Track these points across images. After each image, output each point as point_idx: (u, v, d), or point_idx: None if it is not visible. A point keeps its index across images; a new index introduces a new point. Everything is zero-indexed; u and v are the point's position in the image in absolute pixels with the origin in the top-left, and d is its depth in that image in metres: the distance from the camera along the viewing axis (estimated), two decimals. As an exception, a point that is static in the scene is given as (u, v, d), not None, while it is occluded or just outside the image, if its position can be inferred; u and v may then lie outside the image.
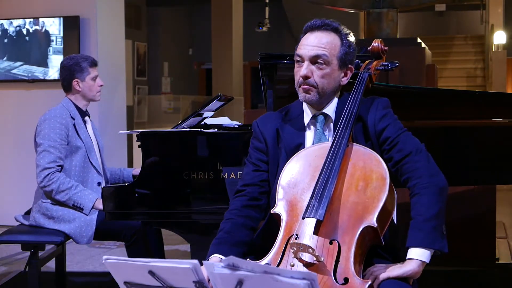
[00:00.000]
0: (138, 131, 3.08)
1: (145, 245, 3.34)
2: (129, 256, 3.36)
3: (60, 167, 3.33)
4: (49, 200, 3.34)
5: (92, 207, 3.29)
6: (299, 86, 2.12)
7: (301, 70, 2.10)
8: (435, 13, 15.02)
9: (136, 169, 3.62)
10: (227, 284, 1.47)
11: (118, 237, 3.36)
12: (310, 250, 1.82)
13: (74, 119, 3.43)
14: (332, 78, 2.11)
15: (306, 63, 2.09)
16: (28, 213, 3.53)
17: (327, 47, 2.09)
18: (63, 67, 3.51)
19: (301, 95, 2.12)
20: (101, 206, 3.16)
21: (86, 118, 3.52)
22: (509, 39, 13.18)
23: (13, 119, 5.95)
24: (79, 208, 3.29)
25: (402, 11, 8.76)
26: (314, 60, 2.09)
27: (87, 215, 3.29)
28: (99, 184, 3.41)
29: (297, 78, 2.12)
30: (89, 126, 3.52)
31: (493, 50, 12.40)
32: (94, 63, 3.51)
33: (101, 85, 3.53)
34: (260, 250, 2.04)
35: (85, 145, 3.41)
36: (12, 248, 4.79)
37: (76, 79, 3.46)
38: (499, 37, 12.63)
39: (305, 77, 2.09)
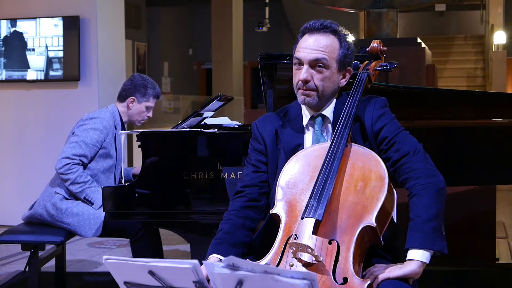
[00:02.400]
0: (138, 131, 3.08)
1: (149, 241, 3.37)
2: (133, 253, 3.40)
3: (81, 163, 3.38)
4: (61, 193, 3.38)
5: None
6: (298, 89, 2.12)
7: (301, 73, 2.09)
8: (435, 13, 15.00)
9: (136, 168, 3.63)
10: (227, 284, 1.47)
11: (123, 233, 3.39)
12: (309, 250, 1.82)
13: (116, 128, 3.49)
14: (331, 81, 2.11)
15: (305, 67, 2.09)
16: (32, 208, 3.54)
17: (326, 51, 2.08)
18: (132, 80, 3.57)
19: (300, 97, 2.12)
20: None
21: (122, 130, 3.59)
22: (509, 39, 13.18)
23: (13, 119, 5.95)
24: (89, 202, 3.35)
25: (402, 11, 8.76)
26: (313, 63, 2.08)
27: (95, 210, 3.32)
28: None
29: (296, 80, 2.12)
30: (122, 138, 3.57)
31: (493, 50, 12.39)
32: (157, 96, 3.58)
33: (149, 116, 3.60)
34: (259, 250, 2.04)
35: (117, 157, 3.47)
36: (12, 248, 4.79)
37: (133, 97, 3.52)
38: (499, 37, 12.62)
39: (305, 81, 2.09)
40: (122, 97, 3.56)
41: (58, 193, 3.39)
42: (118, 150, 3.49)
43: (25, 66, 5.82)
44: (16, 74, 5.86)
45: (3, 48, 5.88)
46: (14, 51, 5.85)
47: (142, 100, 3.53)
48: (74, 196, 3.38)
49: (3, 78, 5.90)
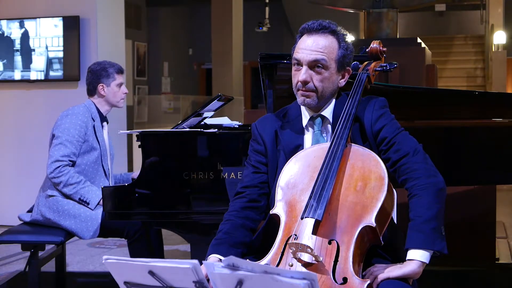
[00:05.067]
0: (138, 131, 3.08)
1: (147, 242, 3.37)
2: (131, 253, 3.39)
3: (72, 162, 3.39)
4: (56, 194, 3.38)
5: (98, 203, 3.32)
6: (298, 90, 2.12)
7: (300, 74, 2.09)
8: (435, 13, 15.00)
9: (135, 173, 3.63)
10: (227, 284, 1.47)
11: (121, 234, 3.39)
12: (309, 250, 1.82)
13: (94, 120, 3.49)
14: (330, 81, 2.11)
15: (304, 68, 2.09)
16: (30, 211, 3.54)
17: (325, 51, 2.08)
18: (90, 71, 3.58)
19: (300, 98, 2.12)
20: None
21: (104, 123, 3.58)
22: (509, 39, 13.17)
23: (13, 119, 5.95)
24: (85, 203, 3.34)
25: (402, 11, 8.76)
26: (312, 64, 2.08)
27: (92, 209, 3.32)
28: None
29: (295, 81, 2.12)
30: (105, 131, 3.57)
31: (493, 50, 12.39)
32: (120, 71, 3.59)
33: (126, 93, 3.61)
34: (259, 250, 2.04)
35: (100, 148, 3.47)
36: (12, 248, 4.79)
37: (101, 84, 3.53)
38: (499, 37, 12.62)
39: (304, 82, 2.09)
40: (91, 91, 3.56)
41: (52, 195, 3.38)
42: (100, 142, 3.48)
43: (29, 66, 5.82)
44: (23, 75, 5.85)
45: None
46: (22, 51, 5.84)
47: (110, 81, 3.53)
48: (68, 198, 3.37)
49: (3, 78, 5.90)
